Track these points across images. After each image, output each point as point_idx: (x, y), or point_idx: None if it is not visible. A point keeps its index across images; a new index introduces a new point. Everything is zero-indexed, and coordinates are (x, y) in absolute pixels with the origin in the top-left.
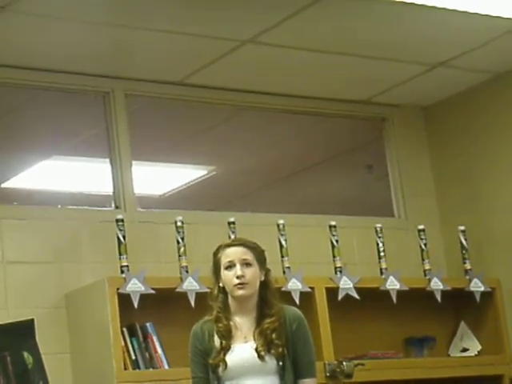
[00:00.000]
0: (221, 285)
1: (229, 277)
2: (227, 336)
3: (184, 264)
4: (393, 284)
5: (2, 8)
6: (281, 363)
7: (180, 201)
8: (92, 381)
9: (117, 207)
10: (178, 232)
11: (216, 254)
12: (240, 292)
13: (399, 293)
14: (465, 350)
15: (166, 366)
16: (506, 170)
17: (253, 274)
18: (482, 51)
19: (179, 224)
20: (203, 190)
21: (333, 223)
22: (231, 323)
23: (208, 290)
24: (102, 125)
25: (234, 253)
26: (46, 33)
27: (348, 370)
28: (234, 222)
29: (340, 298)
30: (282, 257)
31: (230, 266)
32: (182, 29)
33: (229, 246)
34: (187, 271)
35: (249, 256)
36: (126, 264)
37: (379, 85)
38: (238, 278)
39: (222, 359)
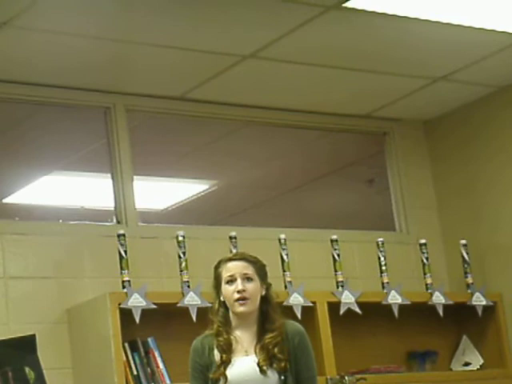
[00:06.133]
0: (222, 299)
1: (229, 291)
2: (227, 350)
3: (185, 279)
4: (394, 298)
5: (4, 24)
6: (283, 377)
7: (181, 215)
8: None
9: (118, 222)
10: (180, 247)
11: (217, 268)
12: (241, 309)
13: (401, 307)
14: (467, 364)
15: (168, 382)
16: (507, 184)
17: (254, 288)
18: (484, 65)
19: (180, 239)
20: (204, 205)
21: (334, 237)
22: (232, 337)
23: (209, 305)
24: (103, 139)
25: (235, 267)
26: (47, 48)
27: None
28: (235, 237)
29: (342, 312)
30: (284, 271)
31: (231, 280)
32: (183, 44)
33: (230, 260)
34: (189, 286)
35: (250, 270)
36: (127, 279)
37: (380, 99)
38: (238, 292)
39: (222, 373)
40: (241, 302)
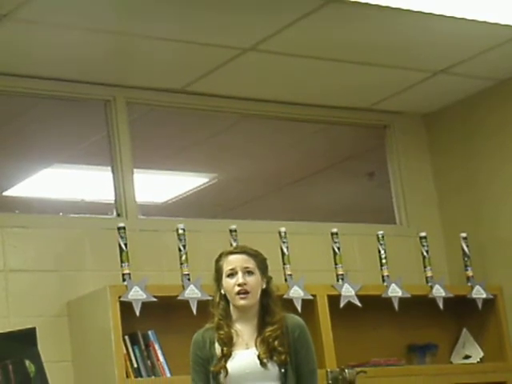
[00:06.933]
0: (222, 292)
1: (230, 284)
2: (228, 343)
3: (186, 272)
4: (395, 291)
5: (4, 16)
6: (283, 370)
7: (181, 208)
8: None
9: (118, 215)
10: (180, 240)
11: (218, 261)
12: (242, 302)
13: (401, 300)
14: (467, 357)
15: (168, 374)
16: (508, 177)
17: (255, 282)
18: (484, 58)
19: (181, 232)
20: (205, 198)
21: (334, 230)
22: (232, 330)
23: (210, 298)
24: (103, 132)
25: (236, 260)
26: (47, 40)
27: (350, 378)
28: (235, 230)
29: (342, 305)
30: (284, 264)
31: (232, 273)
32: (184, 37)
33: (231, 253)
34: (189, 279)
35: (251, 264)
36: (127, 272)
37: (381, 92)
38: (239, 285)
39: (223, 366)
40: (241, 295)
